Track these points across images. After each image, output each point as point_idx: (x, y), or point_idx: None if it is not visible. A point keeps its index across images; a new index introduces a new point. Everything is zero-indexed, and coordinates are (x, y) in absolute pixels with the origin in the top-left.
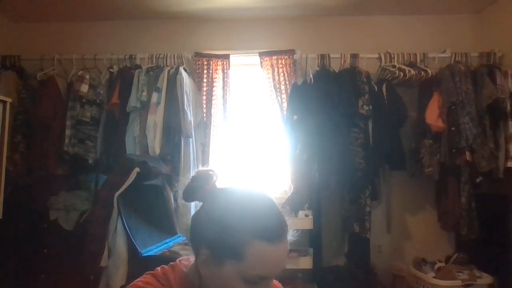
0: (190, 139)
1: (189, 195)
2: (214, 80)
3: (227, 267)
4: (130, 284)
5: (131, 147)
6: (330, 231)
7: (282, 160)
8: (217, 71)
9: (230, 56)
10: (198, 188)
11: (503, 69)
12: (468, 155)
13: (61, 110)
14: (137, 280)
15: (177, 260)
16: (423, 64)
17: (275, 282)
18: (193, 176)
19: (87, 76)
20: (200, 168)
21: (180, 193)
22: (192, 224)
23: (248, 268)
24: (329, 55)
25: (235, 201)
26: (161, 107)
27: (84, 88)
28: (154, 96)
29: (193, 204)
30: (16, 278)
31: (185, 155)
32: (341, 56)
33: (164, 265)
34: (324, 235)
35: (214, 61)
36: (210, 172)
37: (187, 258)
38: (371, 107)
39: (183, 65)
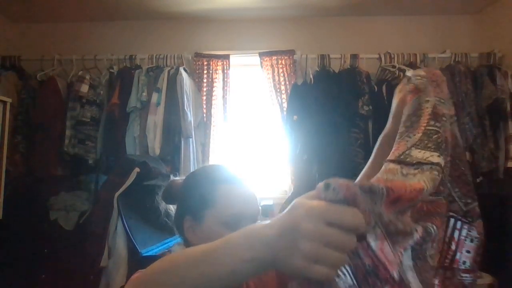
0: (190, 140)
1: (166, 196)
2: (214, 80)
3: (207, 220)
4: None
5: (131, 148)
6: None
7: (282, 160)
8: (217, 72)
9: (230, 56)
10: (174, 187)
11: (503, 70)
12: (468, 156)
13: (61, 111)
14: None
15: None
16: (423, 64)
17: None
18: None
19: (87, 77)
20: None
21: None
22: (174, 213)
23: (222, 209)
24: (329, 56)
25: (197, 169)
26: (161, 107)
27: (84, 88)
28: (154, 97)
29: None
30: (16, 278)
31: (185, 155)
32: (341, 56)
33: None
34: None
35: (214, 61)
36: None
37: None
38: (371, 107)
39: (183, 65)
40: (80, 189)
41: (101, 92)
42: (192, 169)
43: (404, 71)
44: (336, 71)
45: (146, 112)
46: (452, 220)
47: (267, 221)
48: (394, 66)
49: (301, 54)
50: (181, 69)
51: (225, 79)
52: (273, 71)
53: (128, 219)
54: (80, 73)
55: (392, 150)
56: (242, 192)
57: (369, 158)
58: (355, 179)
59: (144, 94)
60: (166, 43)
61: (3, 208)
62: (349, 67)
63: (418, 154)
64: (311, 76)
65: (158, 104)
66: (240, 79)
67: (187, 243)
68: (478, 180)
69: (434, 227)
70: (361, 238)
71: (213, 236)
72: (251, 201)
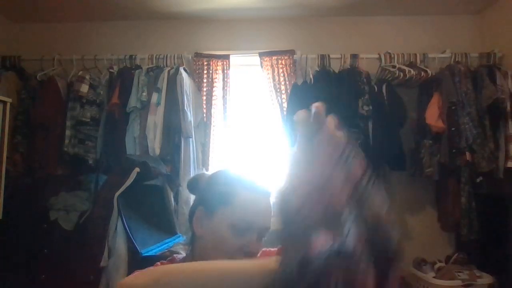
0: (190, 139)
1: (192, 184)
2: (214, 80)
3: (219, 216)
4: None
5: (131, 148)
6: None
7: (282, 160)
8: (217, 71)
9: (230, 56)
10: (201, 177)
11: (503, 70)
12: (468, 156)
13: (61, 111)
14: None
15: (173, 255)
16: (423, 64)
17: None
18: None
19: (87, 77)
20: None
21: (184, 185)
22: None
23: (236, 211)
24: (329, 56)
25: (229, 168)
26: (161, 107)
27: (84, 88)
28: (154, 97)
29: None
30: (16, 278)
31: (185, 155)
32: (341, 56)
33: (163, 260)
34: None
35: (214, 61)
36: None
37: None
38: (371, 107)
39: (183, 65)
40: (80, 189)
41: (101, 92)
42: (192, 169)
43: (404, 71)
44: (336, 71)
45: (146, 112)
46: None
47: None
48: (394, 66)
49: (301, 54)
50: (181, 69)
51: (225, 79)
52: (273, 71)
53: (128, 219)
54: (80, 73)
55: None
56: (261, 205)
57: (369, 158)
58: None
59: (144, 94)
60: (166, 43)
61: (3, 208)
62: (349, 67)
63: None
64: (311, 76)
65: (158, 104)
66: (240, 79)
67: (191, 232)
68: (478, 180)
69: None
70: None
71: (218, 233)
72: (266, 218)
